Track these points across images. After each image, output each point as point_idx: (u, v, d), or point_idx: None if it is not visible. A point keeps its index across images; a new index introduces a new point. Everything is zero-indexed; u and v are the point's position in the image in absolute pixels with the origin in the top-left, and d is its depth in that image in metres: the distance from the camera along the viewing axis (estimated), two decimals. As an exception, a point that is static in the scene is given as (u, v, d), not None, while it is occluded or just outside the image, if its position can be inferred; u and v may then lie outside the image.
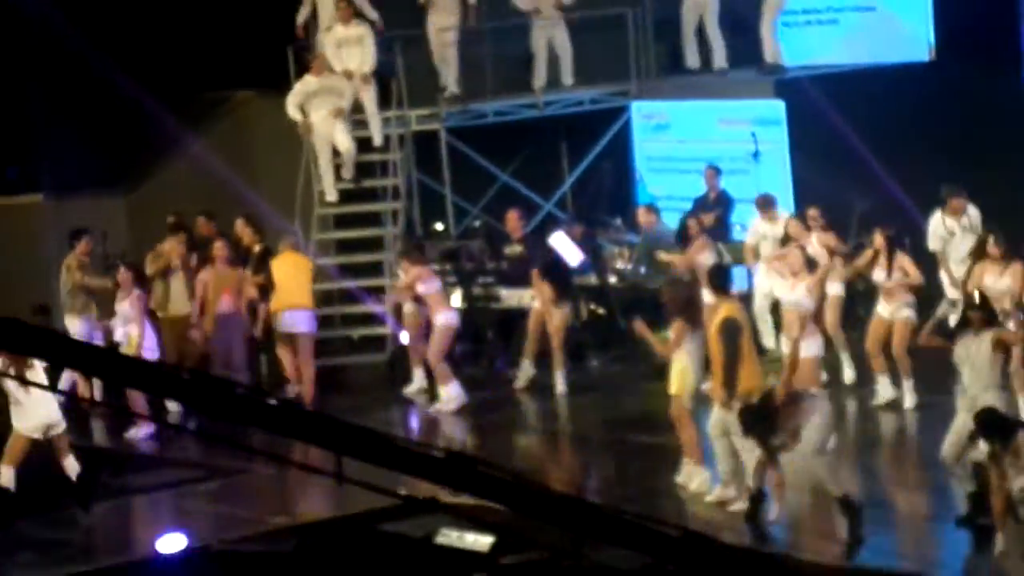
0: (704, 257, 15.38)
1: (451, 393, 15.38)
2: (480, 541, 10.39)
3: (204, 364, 15.87)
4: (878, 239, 14.29)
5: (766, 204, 16.01)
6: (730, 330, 11.98)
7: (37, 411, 12.65)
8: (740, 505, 11.99)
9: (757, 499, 11.71)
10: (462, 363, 16.47)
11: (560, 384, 15.78)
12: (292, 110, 17.65)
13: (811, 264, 14.19)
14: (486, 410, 15.62)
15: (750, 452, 11.95)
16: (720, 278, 12.62)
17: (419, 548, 10.65)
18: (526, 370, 15.92)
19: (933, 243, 15.22)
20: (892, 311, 14.15)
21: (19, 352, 4.43)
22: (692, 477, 12.54)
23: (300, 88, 17.67)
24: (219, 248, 16.03)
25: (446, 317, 15.42)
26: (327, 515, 12.48)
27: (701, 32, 19.06)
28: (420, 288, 15.51)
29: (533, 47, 18.75)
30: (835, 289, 14.90)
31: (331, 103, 17.61)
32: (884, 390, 14.32)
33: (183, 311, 16.20)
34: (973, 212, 15.24)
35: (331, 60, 17.72)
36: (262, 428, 4.60)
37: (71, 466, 12.74)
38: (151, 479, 14.01)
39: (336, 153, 17.92)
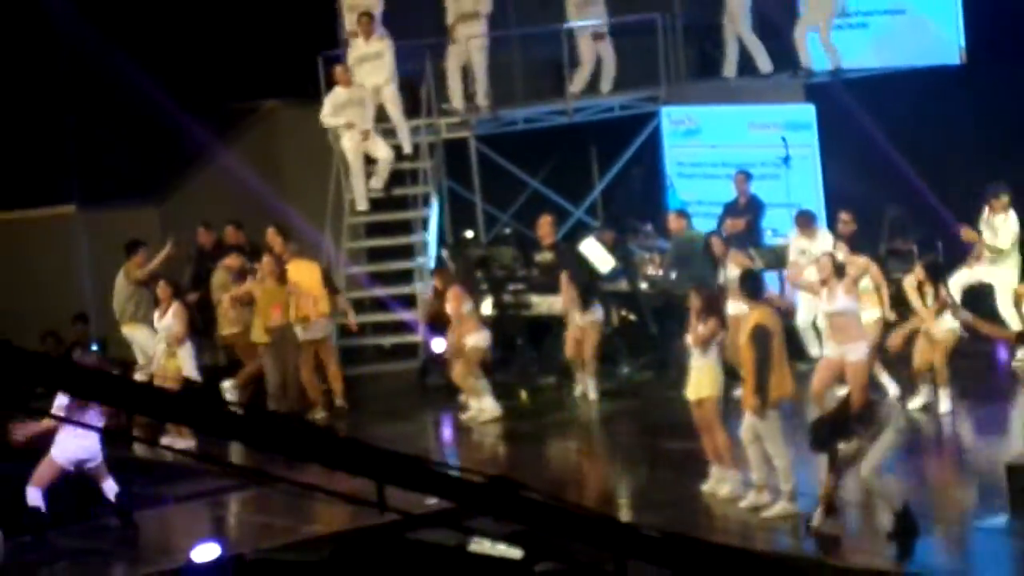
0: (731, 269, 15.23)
1: (484, 406, 15.38)
2: (513, 549, 10.39)
3: (255, 381, 15.89)
4: (919, 271, 14.19)
5: (806, 221, 15.92)
6: (761, 337, 11.96)
7: (74, 444, 12.68)
8: (776, 510, 11.95)
9: (830, 510, 11.56)
10: (493, 370, 16.47)
11: (592, 392, 15.78)
12: (330, 120, 17.71)
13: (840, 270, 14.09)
14: (517, 418, 15.62)
15: (782, 457, 11.93)
16: (751, 284, 12.61)
17: (453, 556, 10.65)
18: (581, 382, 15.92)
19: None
20: (937, 329, 14.08)
21: (72, 392, 4.39)
22: (723, 482, 12.51)
23: (330, 100, 17.71)
24: (268, 263, 15.82)
25: (475, 339, 15.39)
26: (361, 524, 12.50)
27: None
28: (450, 309, 15.48)
29: (580, 56, 18.74)
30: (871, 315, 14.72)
31: (360, 113, 17.65)
32: (922, 396, 14.27)
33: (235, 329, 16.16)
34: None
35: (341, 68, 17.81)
36: (309, 460, 4.55)
37: (110, 488, 12.79)
38: (186, 488, 14.04)
39: (370, 161, 17.96)
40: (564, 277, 15.98)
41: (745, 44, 18.92)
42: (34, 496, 12.69)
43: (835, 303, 13.29)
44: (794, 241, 16.05)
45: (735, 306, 14.66)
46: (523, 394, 16.23)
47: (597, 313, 15.88)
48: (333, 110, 17.71)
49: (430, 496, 4.66)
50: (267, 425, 4.40)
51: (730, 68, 19.06)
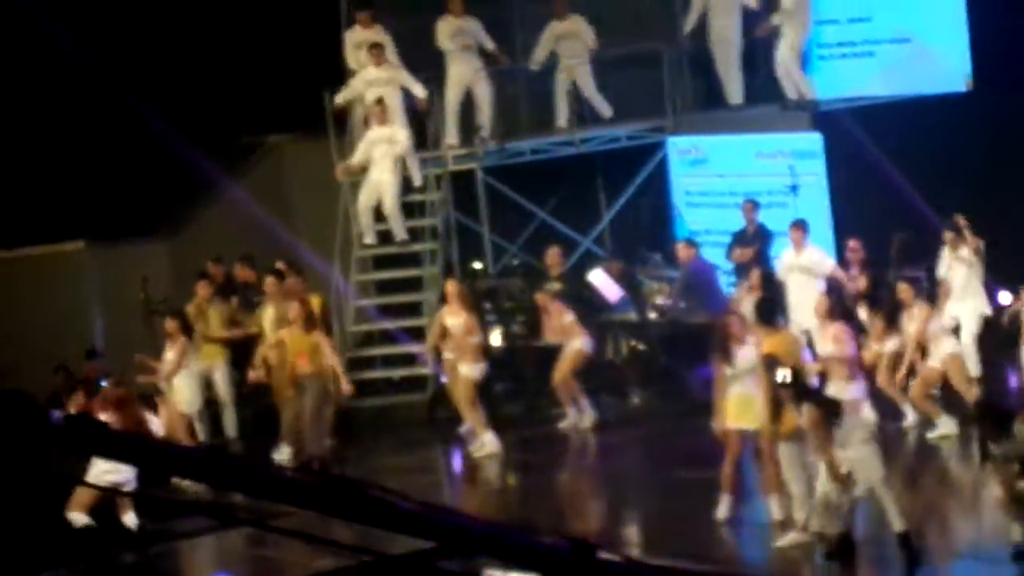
0: (747, 304, 15.15)
1: (483, 440, 15.34)
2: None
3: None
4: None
5: (797, 235, 15.93)
6: (772, 365, 11.90)
7: (112, 470, 12.70)
8: (788, 539, 11.86)
9: (847, 539, 11.46)
10: (503, 401, 16.46)
11: (586, 420, 15.72)
12: (359, 156, 17.67)
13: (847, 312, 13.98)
14: (527, 449, 15.59)
15: (796, 484, 11.83)
16: (766, 310, 12.49)
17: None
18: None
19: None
20: (941, 354, 14.01)
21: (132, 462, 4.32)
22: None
23: (366, 138, 17.69)
24: (295, 309, 15.29)
25: (469, 369, 15.34)
26: (370, 557, 12.45)
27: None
28: (459, 334, 15.39)
29: (555, 90, 18.77)
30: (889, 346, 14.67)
31: (386, 151, 17.62)
32: (944, 426, 14.17)
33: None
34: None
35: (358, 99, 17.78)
36: (361, 522, 4.40)
37: (130, 520, 12.79)
38: (196, 523, 14.01)
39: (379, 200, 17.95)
40: (556, 305, 15.89)
41: (723, 71, 18.85)
42: (80, 519, 12.69)
43: (825, 346, 12.75)
44: (784, 254, 16.01)
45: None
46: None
47: (586, 343, 15.82)
48: (367, 146, 17.69)
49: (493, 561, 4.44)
50: (345, 494, 4.25)
51: (733, 95, 19.00)
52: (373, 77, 17.90)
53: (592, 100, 18.84)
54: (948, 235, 15.37)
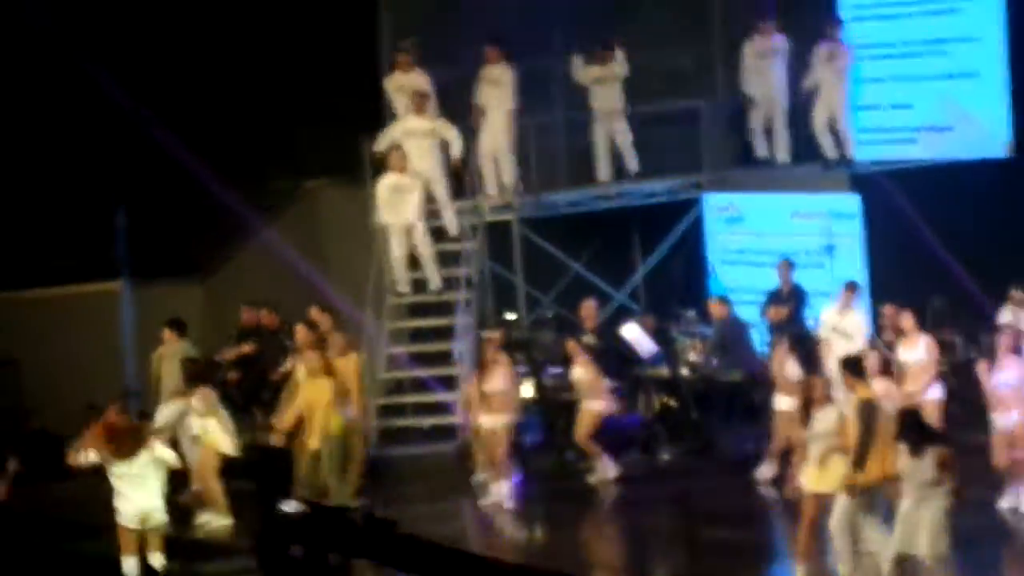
0: (789, 365, 15.08)
1: (502, 491, 15.28)
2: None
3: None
4: (1005, 339, 13.78)
5: (848, 295, 15.78)
6: (869, 410, 11.75)
7: (131, 499, 12.74)
8: None
9: None
10: (533, 454, 16.41)
11: (609, 472, 15.71)
12: (383, 212, 17.65)
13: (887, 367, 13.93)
14: (554, 501, 15.53)
15: (879, 543, 11.60)
16: (855, 366, 12.30)
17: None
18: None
19: None
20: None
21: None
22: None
23: (382, 184, 17.71)
24: (312, 360, 15.09)
25: (495, 420, 15.32)
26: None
27: (768, 126, 19.05)
28: (499, 399, 15.33)
29: (595, 142, 18.78)
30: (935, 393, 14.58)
31: (407, 200, 17.64)
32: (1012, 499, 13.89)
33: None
34: None
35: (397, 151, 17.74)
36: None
37: (156, 560, 12.79)
38: (222, 567, 13.98)
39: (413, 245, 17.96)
40: (583, 357, 15.76)
41: (774, 131, 18.87)
42: (127, 566, 12.76)
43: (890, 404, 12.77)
44: (826, 314, 15.89)
45: (784, 401, 14.61)
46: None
47: (604, 404, 15.72)
48: (386, 194, 17.69)
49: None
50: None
51: (761, 149, 18.99)
52: (412, 127, 17.92)
53: (624, 152, 18.85)
54: (1017, 295, 15.15)
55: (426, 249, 17.82)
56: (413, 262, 18.10)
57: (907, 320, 14.64)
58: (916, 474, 11.28)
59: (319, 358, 15.09)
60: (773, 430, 15.17)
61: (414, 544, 5.14)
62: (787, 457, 14.72)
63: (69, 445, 13.61)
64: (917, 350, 14.48)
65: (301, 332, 15.76)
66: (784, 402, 14.77)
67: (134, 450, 12.85)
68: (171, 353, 16.40)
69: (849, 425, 11.78)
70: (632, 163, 18.87)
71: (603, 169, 18.91)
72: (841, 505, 11.73)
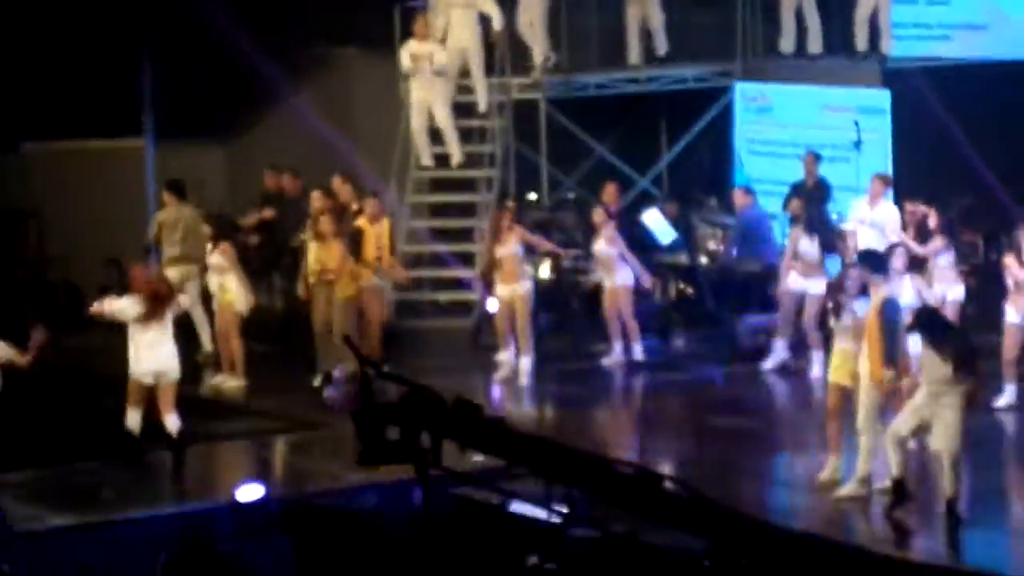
0: (804, 243, 15.14)
1: (523, 366, 15.36)
2: (552, 516, 10.37)
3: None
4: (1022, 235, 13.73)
5: (880, 187, 15.62)
6: (893, 307, 11.69)
7: (150, 356, 12.85)
8: (845, 491, 11.70)
9: (904, 490, 11.36)
10: (548, 334, 16.46)
11: (628, 353, 15.69)
12: (404, 68, 17.62)
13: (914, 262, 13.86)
14: (567, 382, 15.61)
15: (870, 435, 11.55)
16: (875, 260, 12.14)
17: (493, 515, 10.66)
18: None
19: None
20: None
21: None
22: (838, 470, 12.13)
23: (404, 51, 17.66)
24: (326, 224, 15.14)
25: (524, 286, 15.35)
26: (404, 475, 12.53)
27: (800, 14, 18.83)
28: (510, 264, 15.32)
29: (627, 25, 18.63)
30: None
31: (425, 69, 17.54)
32: (1009, 396, 13.94)
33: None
34: None
35: (436, 23, 17.66)
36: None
37: (172, 422, 12.90)
38: (234, 427, 14.14)
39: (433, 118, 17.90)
40: (609, 230, 15.67)
41: (804, 18, 18.64)
42: (132, 419, 12.86)
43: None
44: (856, 206, 15.79)
45: (798, 280, 14.65)
46: None
47: (629, 278, 15.68)
48: (407, 61, 17.65)
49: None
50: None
51: (787, 43, 18.82)
52: None
53: (654, 35, 18.68)
54: None
55: (446, 122, 17.76)
56: (437, 136, 18.06)
57: (932, 219, 14.57)
58: (932, 369, 11.25)
59: (332, 222, 15.12)
60: (781, 312, 15.21)
61: (503, 431, 5.30)
62: (800, 345, 14.85)
63: (91, 296, 13.69)
64: (938, 250, 14.42)
65: (316, 198, 15.80)
66: (794, 281, 14.89)
67: (164, 306, 12.95)
68: (171, 218, 16.32)
69: (870, 323, 11.69)
70: (661, 47, 18.70)
71: (633, 52, 18.77)
72: (866, 402, 11.65)
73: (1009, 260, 13.84)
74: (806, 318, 15.06)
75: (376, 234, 15.52)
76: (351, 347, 6.79)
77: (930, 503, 11.51)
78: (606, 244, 15.58)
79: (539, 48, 18.27)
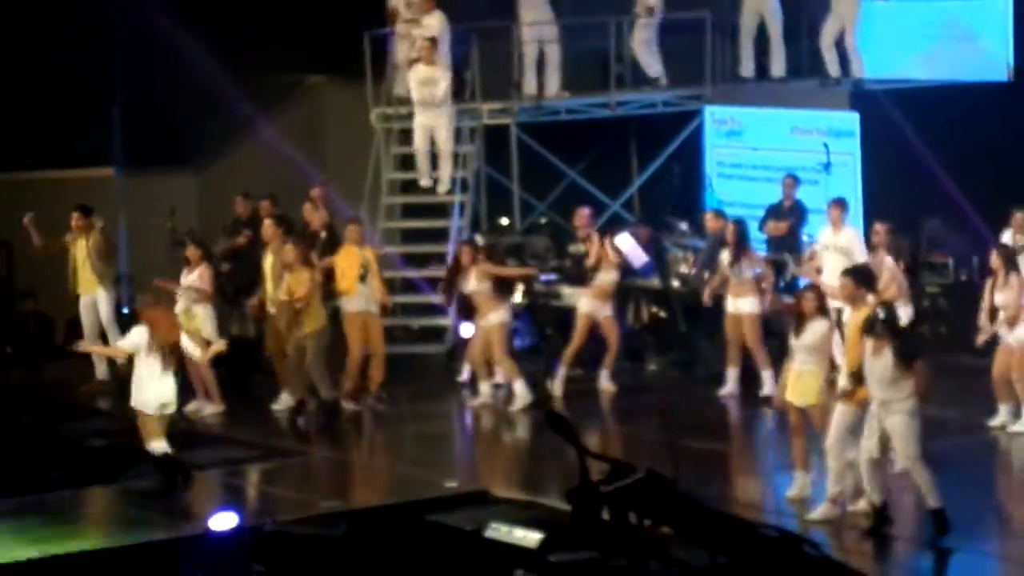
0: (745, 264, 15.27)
1: (517, 391, 15.35)
2: (529, 537, 10.39)
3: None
4: (995, 258, 13.81)
5: (838, 213, 15.75)
6: (875, 325, 11.68)
7: (157, 388, 12.81)
8: (817, 513, 11.67)
9: (884, 515, 11.33)
10: (521, 358, 16.45)
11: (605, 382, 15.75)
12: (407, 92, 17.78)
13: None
14: (540, 406, 15.59)
15: (839, 458, 11.52)
16: (864, 276, 12.18)
17: (468, 540, 10.65)
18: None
19: None
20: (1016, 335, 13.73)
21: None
22: (805, 488, 12.15)
23: (412, 76, 17.71)
24: (291, 253, 15.01)
25: (500, 315, 15.34)
26: (378, 502, 12.51)
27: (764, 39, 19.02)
28: (484, 299, 15.31)
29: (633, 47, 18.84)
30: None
31: (430, 92, 17.66)
32: (1003, 417, 13.93)
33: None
34: None
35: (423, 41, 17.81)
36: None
37: (159, 447, 12.85)
38: (208, 456, 14.08)
39: (433, 143, 18.00)
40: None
41: (770, 43, 18.85)
42: (159, 446, 12.81)
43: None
44: (822, 232, 15.88)
45: (733, 302, 14.85)
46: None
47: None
48: (415, 86, 17.70)
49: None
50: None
51: (747, 67, 19.03)
52: (424, 25, 17.91)
53: (641, 60, 18.82)
54: (1019, 217, 15.01)
55: (446, 148, 17.84)
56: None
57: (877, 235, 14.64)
58: (875, 371, 11.16)
59: (296, 251, 15.07)
60: (726, 335, 15.26)
61: (694, 507, 5.30)
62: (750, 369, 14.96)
63: (61, 328, 13.61)
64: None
65: (268, 228, 15.74)
66: (730, 303, 14.99)
67: (174, 338, 12.95)
68: (80, 242, 16.24)
69: (850, 338, 11.66)
70: (652, 69, 18.84)
71: (657, 71, 19.03)
72: (839, 420, 11.58)
73: (989, 283, 13.92)
74: (748, 340, 15.16)
75: (362, 259, 15.47)
76: (571, 440, 6.70)
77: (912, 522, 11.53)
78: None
79: (554, 78, 18.37)
